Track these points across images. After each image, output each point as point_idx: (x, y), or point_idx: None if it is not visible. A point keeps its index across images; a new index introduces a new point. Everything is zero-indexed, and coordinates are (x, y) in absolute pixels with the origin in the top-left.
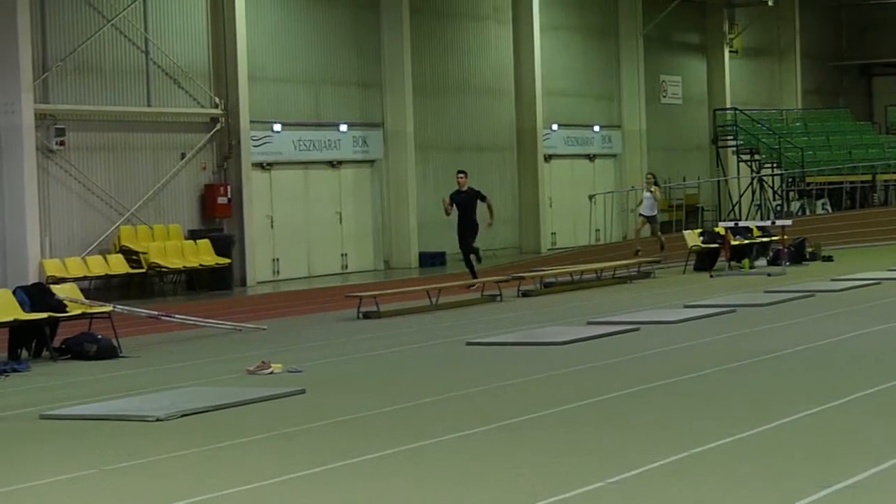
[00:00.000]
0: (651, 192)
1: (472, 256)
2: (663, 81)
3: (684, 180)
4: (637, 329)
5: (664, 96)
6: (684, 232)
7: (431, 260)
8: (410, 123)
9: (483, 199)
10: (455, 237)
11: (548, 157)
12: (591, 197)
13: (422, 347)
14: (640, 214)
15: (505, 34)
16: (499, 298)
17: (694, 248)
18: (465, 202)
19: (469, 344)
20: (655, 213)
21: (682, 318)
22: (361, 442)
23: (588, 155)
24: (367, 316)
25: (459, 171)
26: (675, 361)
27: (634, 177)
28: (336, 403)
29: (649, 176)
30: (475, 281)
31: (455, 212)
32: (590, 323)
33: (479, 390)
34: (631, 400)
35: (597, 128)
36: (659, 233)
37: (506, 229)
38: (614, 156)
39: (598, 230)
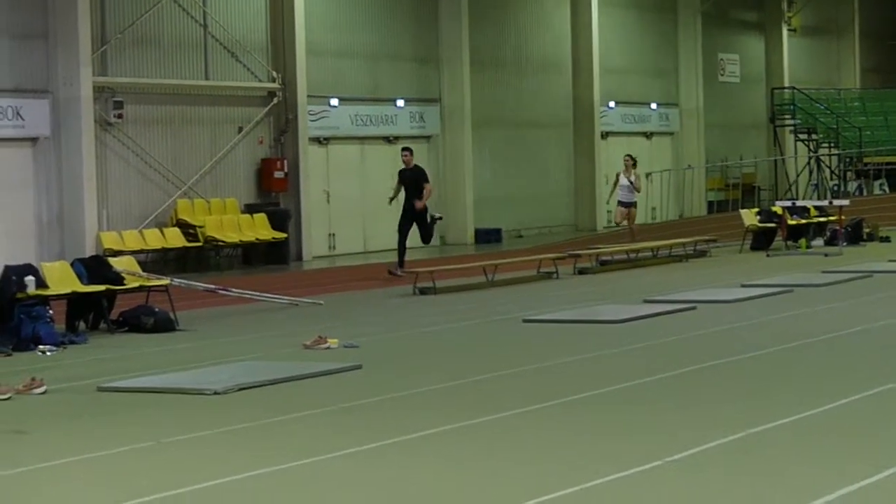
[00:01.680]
0: (630, 176)
1: (429, 221)
2: (721, 59)
3: (741, 159)
4: (694, 308)
5: (722, 74)
6: (741, 211)
7: (487, 236)
8: (467, 99)
9: (426, 179)
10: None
11: (604, 135)
12: (647, 175)
13: (478, 324)
14: (619, 202)
15: (562, 10)
16: (555, 276)
17: (751, 227)
18: (410, 181)
19: (525, 321)
20: (635, 199)
21: (738, 297)
22: (417, 418)
23: (645, 132)
24: (423, 292)
25: (404, 149)
26: (733, 341)
27: (691, 155)
28: (392, 379)
29: (627, 158)
30: (400, 272)
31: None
32: (646, 301)
33: (535, 368)
34: (688, 378)
35: (654, 105)
36: (634, 224)
37: (562, 207)
38: (671, 133)
39: (654, 208)
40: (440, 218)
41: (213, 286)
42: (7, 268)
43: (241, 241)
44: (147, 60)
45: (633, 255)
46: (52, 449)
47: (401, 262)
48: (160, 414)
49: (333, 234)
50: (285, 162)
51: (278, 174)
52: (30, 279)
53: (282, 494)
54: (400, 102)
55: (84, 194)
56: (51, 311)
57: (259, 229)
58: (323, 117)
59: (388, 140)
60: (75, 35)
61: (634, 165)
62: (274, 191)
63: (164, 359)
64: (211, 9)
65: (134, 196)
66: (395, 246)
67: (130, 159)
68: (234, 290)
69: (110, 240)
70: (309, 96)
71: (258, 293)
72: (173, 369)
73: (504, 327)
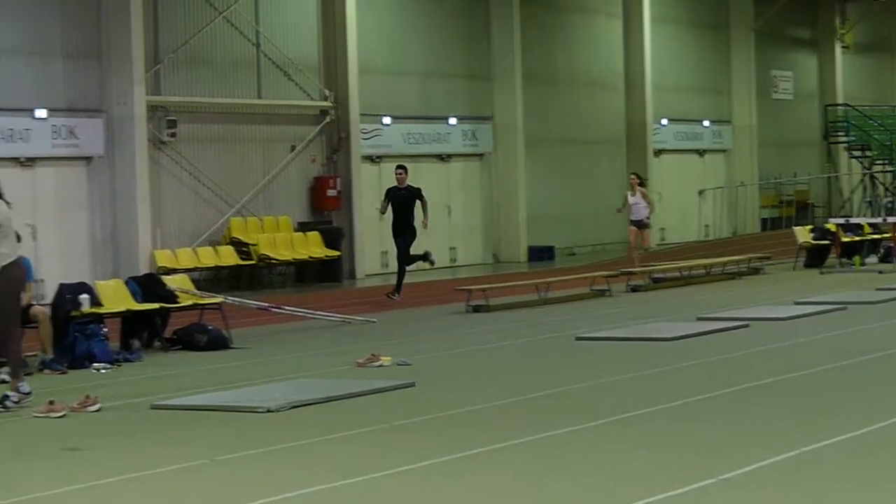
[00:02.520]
0: (635, 195)
1: (419, 261)
2: (774, 76)
3: (795, 176)
4: (747, 325)
5: (775, 91)
6: (794, 228)
7: (540, 254)
8: (520, 117)
9: (422, 199)
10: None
11: (657, 152)
12: (700, 192)
13: (531, 341)
14: (631, 222)
15: (615, 27)
16: (608, 293)
17: (804, 244)
18: (403, 201)
19: (578, 339)
20: (646, 218)
21: (792, 314)
22: (471, 435)
23: (698, 150)
24: (476, 309)
25: (398, 167)
26: (786, 358)
27: (744, 172)
28: (445, 397)
29: (633, 177)
30: (397, 297)
31: (389, 212)
32: (699, 319)
33: (588, 385)
34: (741, 396)
35: (707, 123)
36: (647, 244)
37: (615, 224)
38: (724, 151)
39: (707, 225)
40: (432, 261)
41: (265, 304)
42: (62, 286)
43: (294, 258)
44: (200, 79)
45: (685, 273)
46: (105, 466)
47: (398, 287)
48: (213, 432)
49: (386, 252)
50: (338, 180)
51: (331, 192)
52: (84, 297)
53: None
54: (452, 120)
55: (138, 213)
56: (105, 329)
57: (312, 247)
58: (375, 135)
59: (441, 158)
60: (129, 54)
61: (641, 184)
62: (327, 209)
63: (217, 376)
64: (264, 27)
65: (187, 214)
66: (451, 264)
67: (184, 178)
68: (286, 307)
69: (164, 258)
70: (361, 114)
71: (311, 311)
72: (226, 387)
73: (556, 345)
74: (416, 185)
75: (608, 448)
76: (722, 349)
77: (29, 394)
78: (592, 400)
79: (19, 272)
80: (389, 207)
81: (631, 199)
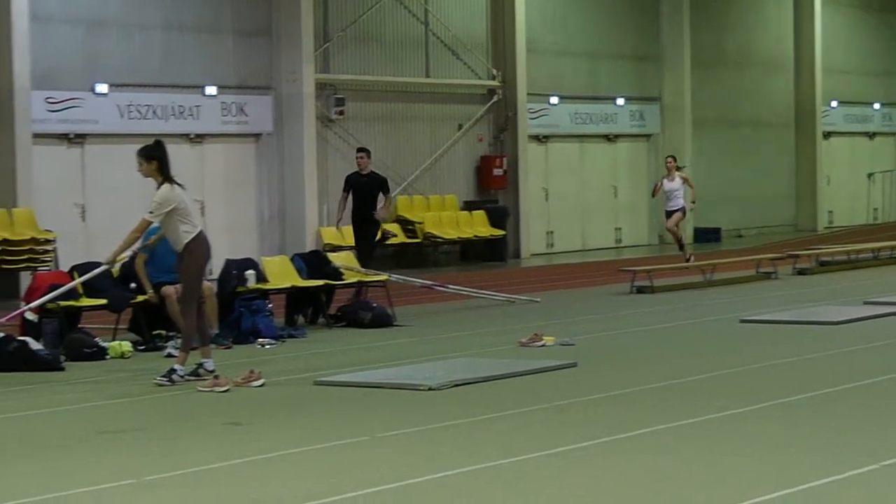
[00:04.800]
0: (673, 179)
1: (380, 238)
2: None
3: None
4: None
5: None
6: None
7: (706, 235)
8: (688, 97)
9: (386, 191)
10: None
11: (826, 135)
12: (869, 175)
13: (695, 323)
14: (666, 212)
15: (785, 8)
16: (774, 276)
17: None
18: (365, 189)
19: (742, 321)
20: (682, 205)
21: None
22: (633, 416)
23: (867, 132)
24: (640, 291)
25: (360, 150)
26: None
27: None
28: (607, 377)
29: (670, 160)
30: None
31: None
32: (866, 303)
33: (751, 368)
34: None
35: (877, 105)
36: (682, 233)
37: (782, 206)
38: (894, 133)
39: (875, 209)
40: (393, 235)
41: (430, 282)
42: (228, 262)
43: (459, 237)
44: (368, 58)
45: (853, 257)
46: (266, 442)
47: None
48: (374, 409)
49: (552, 232)
50: (504, 159)
51: (497, 171)
52: (250, 273)
53: (492, 491)
54: (620, 101)
55: (305, 190)
56: (270, 305)
57: (477, 226)
58: (542, 115)
59: (608, 138)
60: (298, 32)
61: (678, 168)
62: (493, 188)
63: (380, 354)
64: (432, 6)
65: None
66: (615, 244)
67: (351, 156)
68: (451, 286)
69: (330, 235)
70: (529, 94)
71: (475, 290)
72: (389, 364)
73: (721, 327)
74: (381, 173)
75: (772, 431)
76: (888, 334)
77: (213, 371)
78: (755, 383)
79: (203, 247)
80: (350, 198)
81: (667, 185)
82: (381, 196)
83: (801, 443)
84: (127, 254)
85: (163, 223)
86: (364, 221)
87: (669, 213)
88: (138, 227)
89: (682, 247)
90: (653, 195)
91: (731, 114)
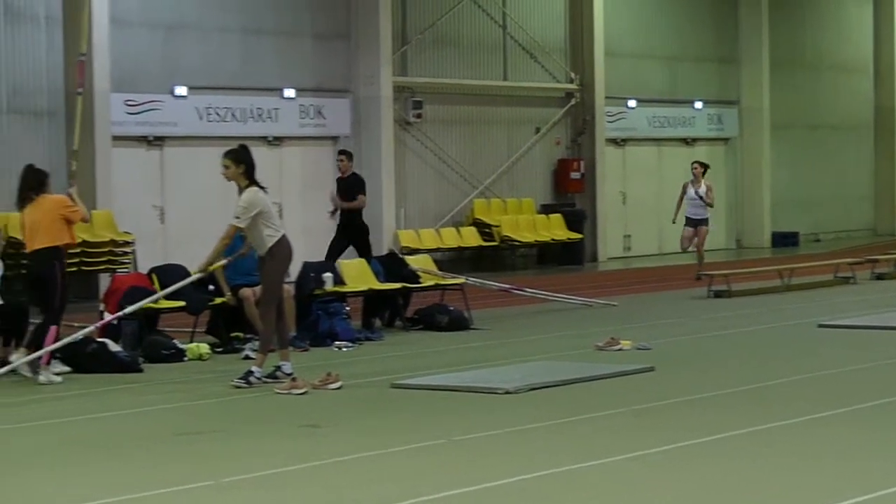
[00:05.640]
0: (700, 187)
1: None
2: None
3: None
4: None
5: None
6: None
7: (784, 240)
8: (766, 100)
9: (362, 190)
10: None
11: None
12: None
13: (772, 328)
14: (688, 219)
15: (864, 11)
16: (852, 280)
17: None
18: (345, 192)
19: (820, 326)
20: (706, 216)
21: None
22: (710, 420)
23: None
24: (717, 295)
25: (340, 153)
26: None
27: None
28: (685, 382)
29: (697, 165)
30: None
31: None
32: None
33: (829, 373)
34: None
35: None
36: (702, 248)
37: (861, 210)
38: None
39: None
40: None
41: (507, 285)
42: (306, 265)
43: (536, 241)
44: (446, 61)
45: None
46: (344, 444)
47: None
48: (451, 412)
49: (629, 236)
50: (582, 163)
51: (575, 175)
52: (328, 276)
53: (570, 495)
54: (698, 104)
55: (383, 193)
56: (347, 308)
57: (554, 230)
58: (620, 118)
59: (686, 142)
60: (377, 35)
61: (704, 174)
62: (570, 191)
63: (457, 357)
64: (511, 10)
65: (431, 195)
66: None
67: (428, 158)
68: (528, 289)
69: (407, 238)
70: (606, 97)
71: (552, 293)
72: (465, 368)
73: (798, 332)
74: (360, 175)
75: (848, 436)
76: None
77: (290, 374)
78: (834, 388)
79: (286, 251)
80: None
81: (691, 191)
82: (360, 197)
83: (879, 448)
84: (221, 262)
85: (247, 227)
86: (348, 225)
87: (693, 222)
88: (227, 234)
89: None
90: (679, 203)
91: (809, 117)
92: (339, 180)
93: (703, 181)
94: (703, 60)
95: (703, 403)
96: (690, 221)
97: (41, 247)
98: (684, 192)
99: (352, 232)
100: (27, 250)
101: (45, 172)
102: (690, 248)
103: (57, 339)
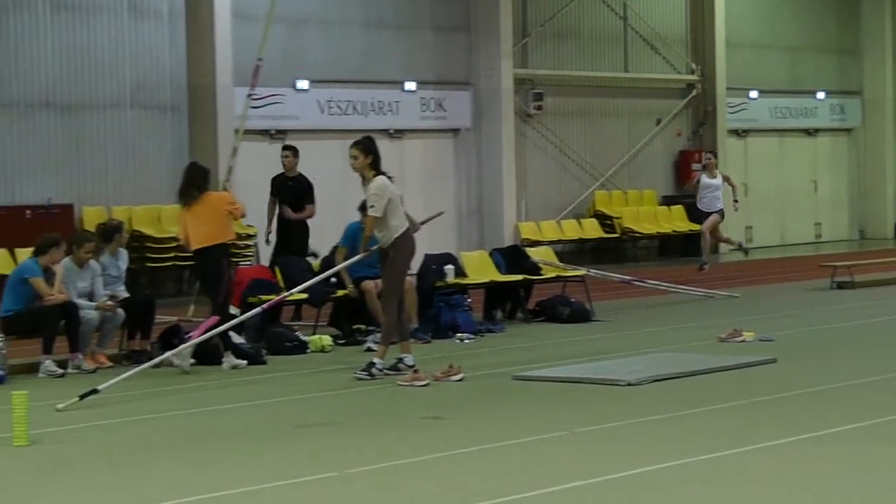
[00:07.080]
0: (715, 176)
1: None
2: None
3: None
4: None
5: None
6: None
7: None
8: (889, 90)
9: (311, 201)
10: None
11: None
12: None
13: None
14: (706, 211)
15: None
16: None
17: None
18: (290, 194)
19: None
20: (720, 206)
21: None
22: (833, 413)
23: None
24: (840, 286)
25: (285, 148)
26: None
27: None
28: (808, 373)
29: (709, 157)
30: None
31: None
32: None
33: None
34: None
35: None
36: (718, 234)
37: None
38: None
39: None
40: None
41: (628, 277)
42: (427, 257)
43: (657, 232)
44: (566, 53)
45: None
46: (466, 436)
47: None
48: (573, 404)
49: (750, 227)
50: (703, 154)
51: (696, 166)
52: (449, 268)
53: (692, 487)
54: (820, 94)
55: (503, 185)
56: (469, 300)
57: (676, 221)
58: (742, 109)
59: (808, 133)
60: (497, 28)
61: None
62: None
63: (579, 349)
64: (631, 1)
65: (552, 187)
66: (815, 239)
67: (549, 151)
68: (649, 281)
69: (528, 230)
70: (728, 88)
71: (674, 285)
72: (587, 359)
73: None
74: (308, 176)
75: None
76: None
77: (412, 366)
78: None
79: (410, 244)
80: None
81: (705, 180)
82: (309, 207)
83: None
84: (364, 255)
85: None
86: (291, 232)
87: (705, 214)
88: (368, 226)
89: (715, 248)
90: (687, 185)
91: None
92: (282, 179)
93: (718, 172)
94: (824, 51)
95: (825, 395)
96: (704, 214)
97: (210, 244)
98: (698, 182)
99: (301, 234)
100: (191, 247)
101: (208, 169)
102: (718, 234)
103: (211, 329)
